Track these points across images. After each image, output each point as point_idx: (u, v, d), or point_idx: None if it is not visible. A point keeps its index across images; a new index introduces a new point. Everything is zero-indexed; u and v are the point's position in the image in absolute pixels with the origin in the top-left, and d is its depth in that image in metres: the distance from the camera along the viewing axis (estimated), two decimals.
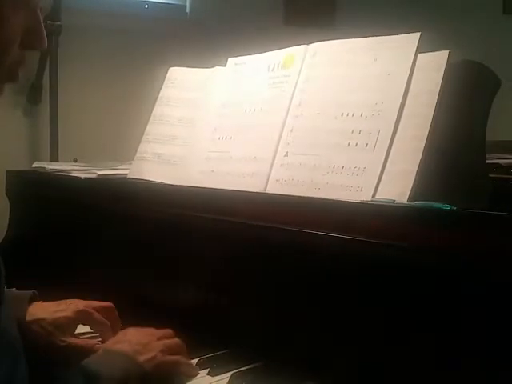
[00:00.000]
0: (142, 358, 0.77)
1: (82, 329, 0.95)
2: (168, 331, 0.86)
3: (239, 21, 2.21)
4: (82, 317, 0.92)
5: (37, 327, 0.88)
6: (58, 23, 1.85)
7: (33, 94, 1.98)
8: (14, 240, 1.41)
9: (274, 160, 1.01)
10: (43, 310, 0.91)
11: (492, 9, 2.53)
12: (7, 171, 1.49)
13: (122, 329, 0.92)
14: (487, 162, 0.92)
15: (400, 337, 0.75)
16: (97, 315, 0.94)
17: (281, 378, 0.81)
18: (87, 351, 0.84)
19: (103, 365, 0.74)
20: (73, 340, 0.90)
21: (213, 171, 1.10)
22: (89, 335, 0.95)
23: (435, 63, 0.87)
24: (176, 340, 0.85)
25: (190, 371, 0.83)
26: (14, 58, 0.63)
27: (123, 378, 0.74)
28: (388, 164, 0.87)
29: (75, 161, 1.63)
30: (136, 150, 1.26)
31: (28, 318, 0.89)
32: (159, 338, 0.83)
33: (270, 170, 1.01)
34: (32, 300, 0.93)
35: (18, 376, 0.64)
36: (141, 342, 0.80)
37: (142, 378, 0.76)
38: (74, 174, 1.32)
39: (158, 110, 1.27)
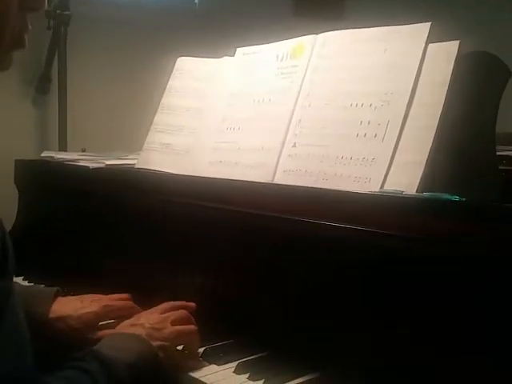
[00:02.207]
0: (155, 343, 0.79)
1: None
2: (182, 313, 0.87)
3: (248, 11, 2.20)
4: (107, 311, 0.93)
5: (62, 324, 0.88)
6: (67, 13, 1.84)
7: (41, 84, 1.98)
8: (22, 228, 1.41)
9: (281, 151, 1.00)
10: (67, 307, 0.91)
11: (502, 1, 2.50)
12: (16, 160, 1.50)
13: None
14: (497, 153, 0.92)
15: (406, 328, 0.74)
16: (118, 307, 0.94)
17: (286, 368, 0.81)
18: None
19: (117, 350, 0.75)
20: (101, 333, 0.89)
21: (221, 161, 1.10)
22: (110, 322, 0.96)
23: (445, 53, 0.86)
24: (188, 327, 0.85)
25: (194, 358, 0.84)
26: (17, 23, 0.61)
27: (136, 361, 0.74)
28: (397, 155, 0.86)
29: (83, 150, 1.63)
30: (144, 140, 1.26)
31: (52, 314, 0.89)
32: (173, 322, 0.84)
33: (278, 161, 1.00)
34: (56, 296, 0.93)
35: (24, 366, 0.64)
36: (154, 326, 0.81)
37: (155, 360, 0.77)
38: (82, 163, 1.32)
39: (166, 100, 1.26)
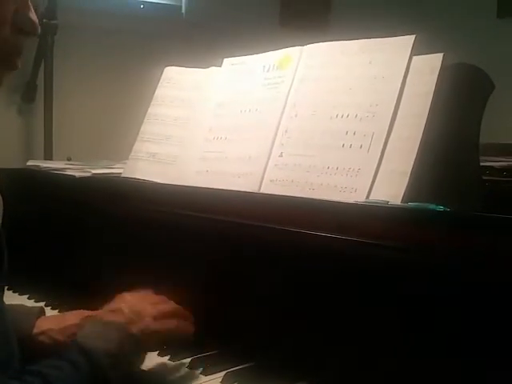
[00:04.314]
0: (134, 329, 0.78)
1: None
2: (163, 297, 0.87)
3: (235, 21, 2.21)
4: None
5: (44, 338, 0.88)
6: (54, 22, 1.84)
7: (27, 93, 1.97)
8: (7, 238, 1.40)
9: (268, 160, 1.01)
10: (50, 322, 0.92)
11: (486, 13, 2.54)
12: (0, 169, 1.48)
13: None
14: (480, 164, 0.93)
15: (392, 337, 0.75)
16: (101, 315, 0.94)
17: (274, 378, 0.81)
18: None
19: (97, 339, 0.75)
20: None
21: (207, 171, 1.10)
22: None
23: (429, 66, 0.88)
24: (169, 305, 0.85)
25: (186, 328, 0.84)
26: (9, 43, 0.62)
27: (118, 349, 0.75)
28: (382, 165, 0.87)
29: (69, 159, 1.62)
30: (131, 150, 1.26)
31: (35, 330, 0.89)
32: (153, 304, 0.84)
33: (265, 171, 1.01)
34: (40, 315, 0.94)
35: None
36: (134, 309, 0.81)
37: (135, 349, 0.78)
38: (68, 172, 1.31)
39: (153, 109, 1.27)
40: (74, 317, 0.93)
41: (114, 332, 0.77)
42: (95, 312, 0.95)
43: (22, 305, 0.98)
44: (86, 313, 0.95)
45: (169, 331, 0.82)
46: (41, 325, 0.90)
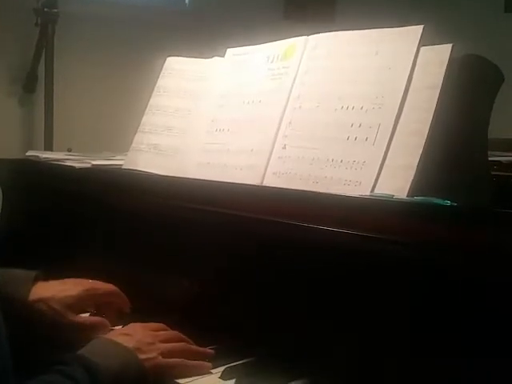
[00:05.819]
0: (142, 356, 0.78)
1: None
2: (175, 333, 0.86)
3: (239, 12, 2.19)
4: (89, 295, 0.91)
5: (43, 306, 0.86)
6: (55, 10, 1.82)
7: (28, 83, 1.96)
8: (6, 229, 1.39)
9: (271, 153, 0.99)
10: (49, 289, 0.89)
11: (493, 7, 2.52)
12: (0, 159, 1.47)
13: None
14: (488, 159, 0.91)
15: (396, 333, 0.73)
16: (102, 292, 0.93)
17: (273, 373, 0.79)
18: (96, 328, 0.85)
19: (103, 356, 0.74)
20: (80, 318, 0.88)
21: (209, 163, 1.08)
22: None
23: (438, 57, 0.86)
24: (180, 344, 0.84)
25: (198, 371, 0.82)
26: None
27: (121, 371, 0.74)
28: (388, 158, 0.85)
29: (69, 150, 1.61)
30: (132, 141, 1.24)
31: (32, 297, 0.87)
32: (163, 341, 0.83)
33: (268, 163, 0.99)
34: (36, 280, 0.91)
35: None
36: (144, 340, 0.80)
37: (138, 375, 0.76)
38: (68, 163, 1.30)
39: (154, 100, 1.25)
40: (73, 287, 0.91)
41: (121, 353, 0.76)
42: (95, 283, 0.94)
43: (17, 269, 0.94)
44: (86, 282, 0.93)
45: (173, 369, 0.80)
46: (38, 291, 0.88)
